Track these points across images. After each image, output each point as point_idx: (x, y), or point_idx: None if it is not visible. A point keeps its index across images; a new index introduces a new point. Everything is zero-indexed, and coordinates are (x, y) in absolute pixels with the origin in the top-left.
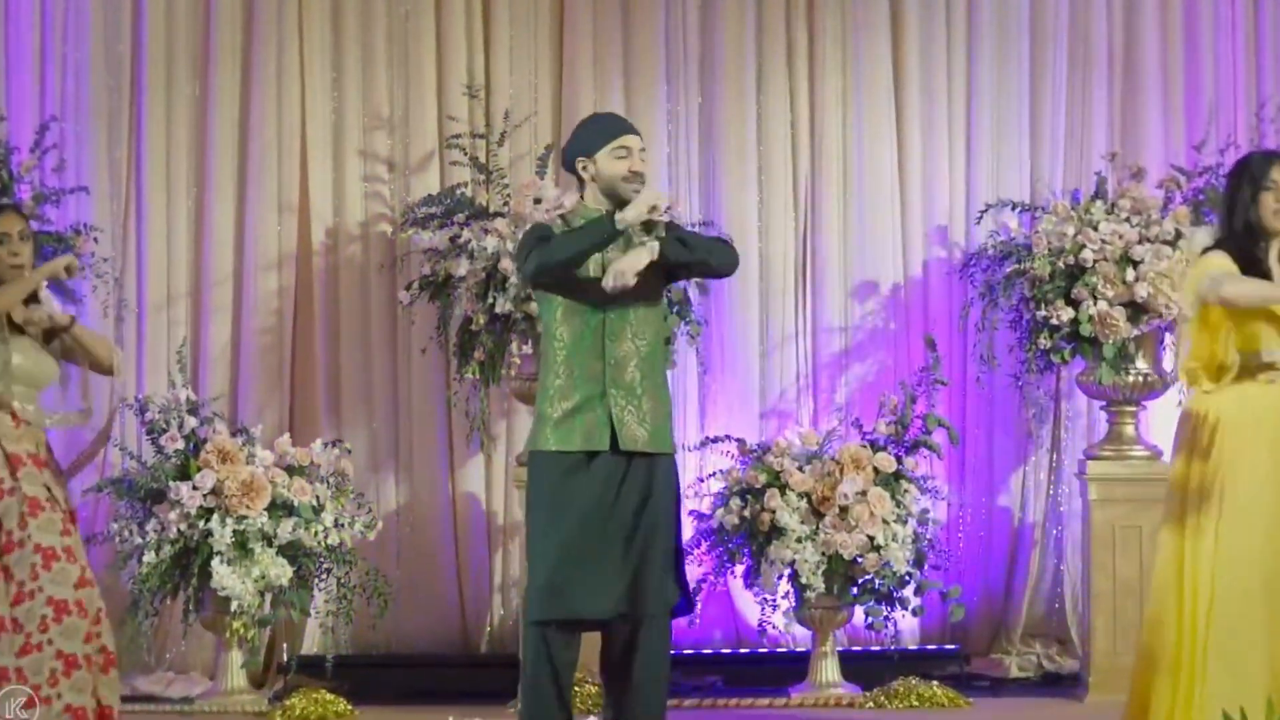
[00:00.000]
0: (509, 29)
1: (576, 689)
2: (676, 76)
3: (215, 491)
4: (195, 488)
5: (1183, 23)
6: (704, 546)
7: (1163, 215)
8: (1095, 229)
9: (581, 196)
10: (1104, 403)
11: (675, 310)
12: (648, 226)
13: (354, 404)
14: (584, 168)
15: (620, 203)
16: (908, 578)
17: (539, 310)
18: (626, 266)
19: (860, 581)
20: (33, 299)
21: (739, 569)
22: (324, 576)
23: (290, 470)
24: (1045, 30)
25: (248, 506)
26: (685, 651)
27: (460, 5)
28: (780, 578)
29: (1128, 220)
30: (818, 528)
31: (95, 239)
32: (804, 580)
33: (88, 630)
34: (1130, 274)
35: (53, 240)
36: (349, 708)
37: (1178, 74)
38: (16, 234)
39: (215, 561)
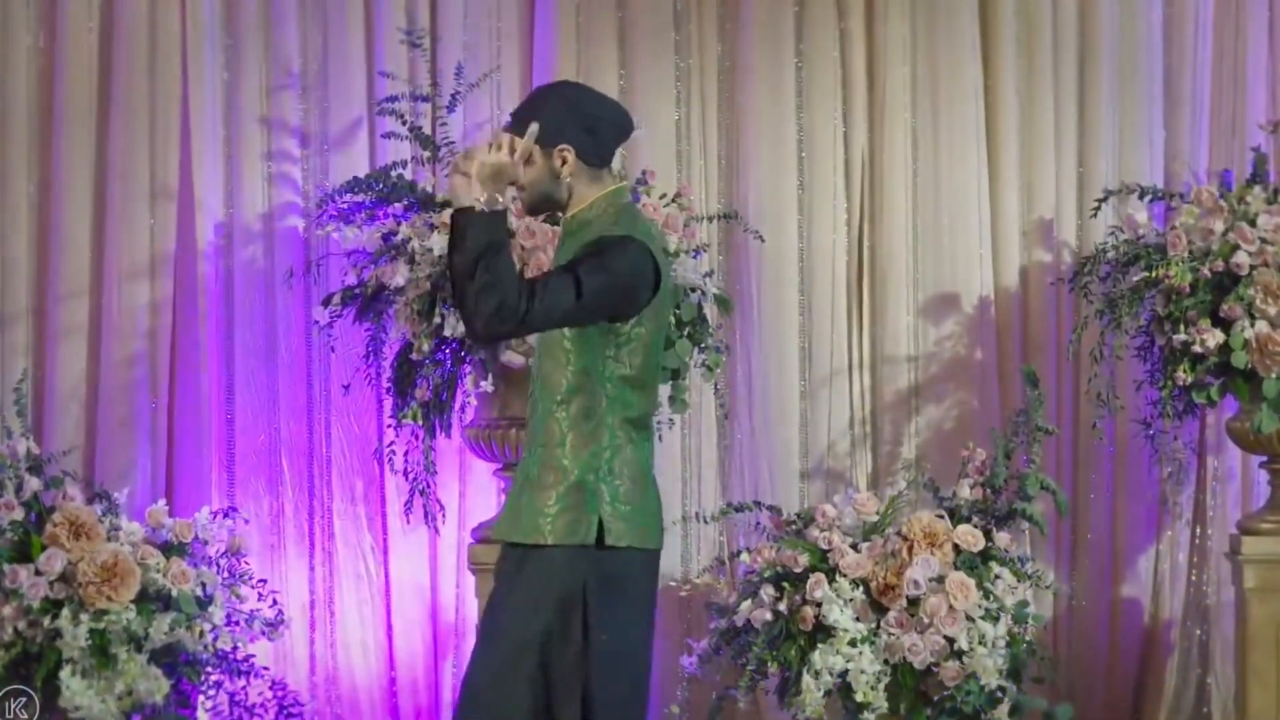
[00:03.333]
0: None
1: None
2: (688, 17)
3: (65, 578)
4: (39, 573)
5: None
6: (725, 651)
7: None
8: (1252, 224)
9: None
10: (1264, 458)
11: (686, 333)
12: None
13: (254, 459)
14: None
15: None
16: (1000, 694)
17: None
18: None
19: (936, 699)
20: None
21: (771, 681)
22: (212, 692)
23: (167, 549)
24: None
25: (109, 598)
26: None
27: None
28: (828, 694)
29: None
30: (878, 627)
31: None
32: (860, 697)
33: None
34: None
35: None
36: None
37: None
38: None
39: (65, 672)
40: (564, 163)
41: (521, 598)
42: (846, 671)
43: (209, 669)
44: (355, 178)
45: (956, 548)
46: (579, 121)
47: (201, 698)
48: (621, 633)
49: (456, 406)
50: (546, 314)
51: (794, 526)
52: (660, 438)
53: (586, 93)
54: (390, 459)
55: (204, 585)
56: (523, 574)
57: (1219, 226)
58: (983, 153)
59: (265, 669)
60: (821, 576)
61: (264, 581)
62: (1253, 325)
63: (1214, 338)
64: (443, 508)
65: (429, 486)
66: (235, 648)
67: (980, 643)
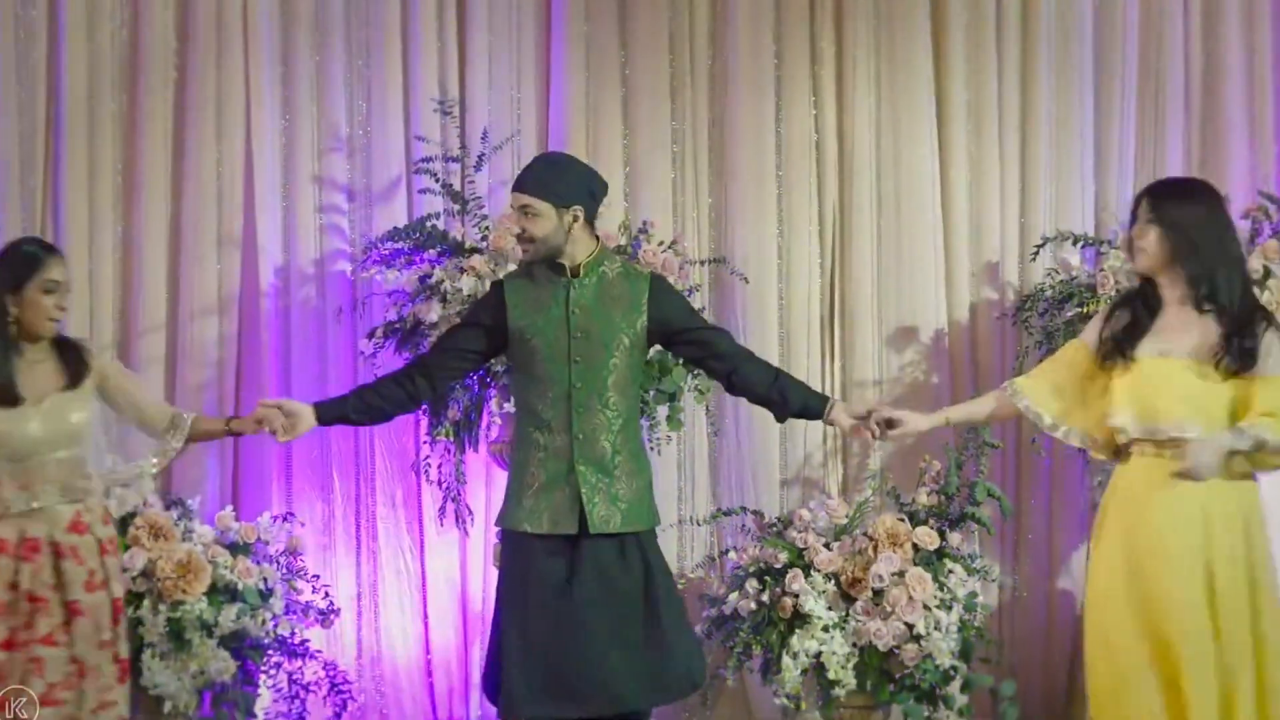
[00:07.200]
0: (487, 34)
1: None
2: (682, 88)
3: (146, 573)
4: (124, 569)
5: (1270, 28)
6: (715, 636)
7: (1249, 250)
8: None
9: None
10: None
11: (681, 362)
12: None
13: (308, 471)
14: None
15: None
16: (953, 672)
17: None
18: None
19: (898, 677)
20: None
21: (755, 662)
22: (273, 672)
23: (234, 549)
24: (1113, 39)
25: (184, 591)
26: None
27: (431, 6)
28: (804, 672)
29: None
30: (848, 614)
31: None
32: (832, 675)
33: None
34: None
35: None
36: None
37: (1265, 86)
38: (66, 283)
39: (146, 655)
40: (576, 220)
41: (656, 579)
42: (820, 653)
43: (270, 652)
44: (395, 228)
45: (915, 546)
46: (586, 187)
47: (264, 677)
48: None
49: (483, 425)
50: None
51: (775, 528)
52: (659, 451)
53: (585, 164)
54: (426, 470)
55: (265, 580)
56: (639, 558)
57: None
58: (937, 206)
59: (319, 652)
60: (799, 571)
61: (317, 577)
62: None
63: None
64: (471, 513)
65: (459, 494)
66: (293, 633)
67: (936, 628)
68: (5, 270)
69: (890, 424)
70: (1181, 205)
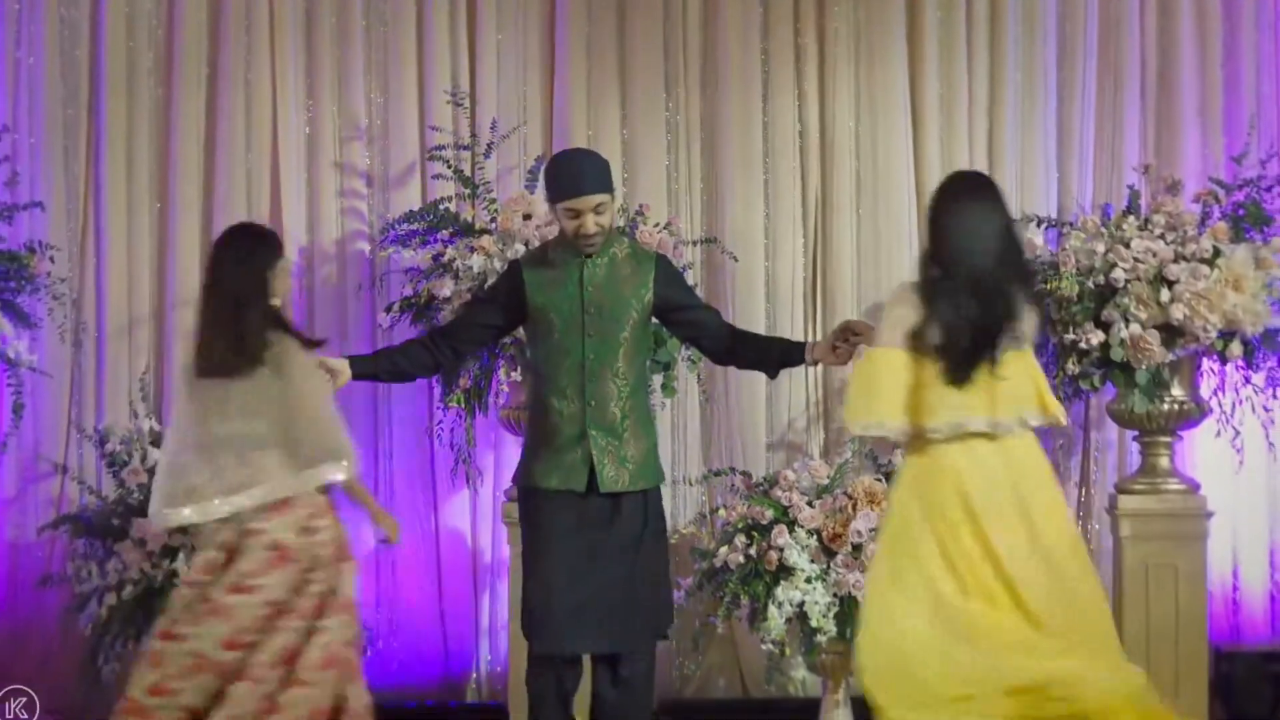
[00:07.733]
0: (496, 32)
1: None
2: (676, 83)
3: (180, 528)
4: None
5: (1221, 27)
6: (706, 587)
7: (1200, 232)
8: (1127, 246)
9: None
10: (1136, 433)
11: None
12: None
13: None
14: (550, 209)
15: (578, 252)
16: None
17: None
18: None
19: None
20: None
21: (743, 611)
22: None
23: None
24: (1074, 35)
25: None
26: (686, 699)
27: (444, 6)
28: (789, 621)
29: (1162, 237)
30: (829, 567)
31: (51, 258)
32: (814, 623)
33: None
34: (1165, 295)
35: (5, 259)
36: None
37: (1216, 81)
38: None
39: None
40: (615, 203)
41: (650, 535)
42: (803, 603)
43: None
44: (410, 210)
45: None
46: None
47: None
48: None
49: (492, 392)
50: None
51: (761, 487)
52: (655, 417)
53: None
54: (439, 434)
55: None
56: (642, 514)
57: (1101, 248)
58: (912, 191)
59: None
60: (783, 527)
61: None
62: (1127, 327)
63: (1096, 337)
64: (481, 473)
65: (470, 456)
66: None
67: None
68: (268, 245)
69: (853, 332)
70: (932, 209)
